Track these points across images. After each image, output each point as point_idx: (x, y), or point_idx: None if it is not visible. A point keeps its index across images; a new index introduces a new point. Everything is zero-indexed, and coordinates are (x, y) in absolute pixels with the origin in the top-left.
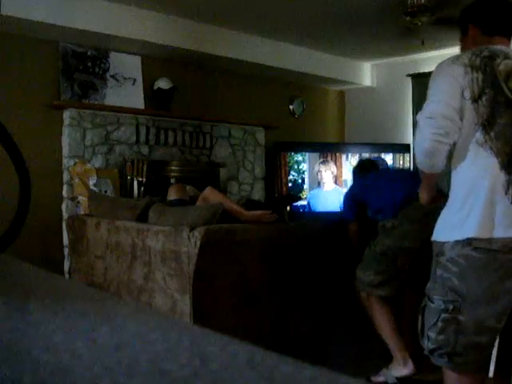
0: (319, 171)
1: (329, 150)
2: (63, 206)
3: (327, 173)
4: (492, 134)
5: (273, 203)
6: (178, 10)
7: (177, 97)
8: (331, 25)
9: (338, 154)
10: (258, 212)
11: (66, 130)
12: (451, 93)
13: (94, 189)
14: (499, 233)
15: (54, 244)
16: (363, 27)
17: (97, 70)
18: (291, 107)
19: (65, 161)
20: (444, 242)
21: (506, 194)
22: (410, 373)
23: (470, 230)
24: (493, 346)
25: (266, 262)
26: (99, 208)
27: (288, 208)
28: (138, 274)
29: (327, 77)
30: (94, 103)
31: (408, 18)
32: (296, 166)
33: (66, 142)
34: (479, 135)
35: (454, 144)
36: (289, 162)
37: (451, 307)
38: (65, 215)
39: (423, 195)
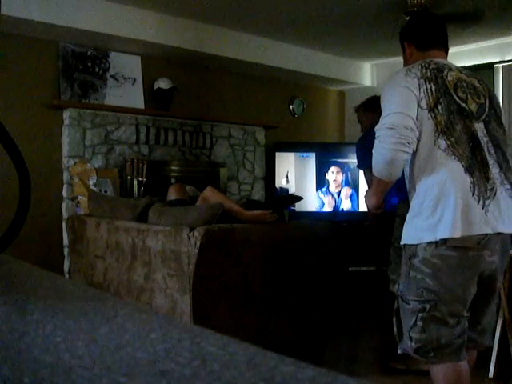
0: (331, 171)
1: (329, 150)
2: (63, 206)
3: (339, 174)
4: (452, 139)
5: (273, 203)
6: (178, 9)
7: (177, 97)
8: (331, 25)
9: (337, 155)
10: (258, 212)
11: (65, 130)
12: (409, 104)
13: (94, 189)
14: (469, 232)
15: (54, 244)
16: (363, 27)
17: (97, 69)
18: (291, 107)
19: (65, 161)
20: (417, 245)
21: (472, 195)
22: None
23: (444, 231)
24: (465, 332)
25: (266, 262)
26: (99, 208)
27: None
28: (138, 274)
29: (327, 77)
30: (94, 103)
31: (408, 18)
32: None
33: (65, 141)
34: (441, 142)
35: (414, 153)
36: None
37: (428, 306)
38: (65, 215)
39: (373, 201)
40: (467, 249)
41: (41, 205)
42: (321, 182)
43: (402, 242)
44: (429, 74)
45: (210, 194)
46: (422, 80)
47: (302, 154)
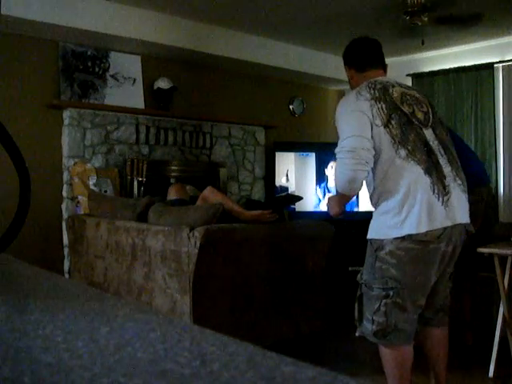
0: (330, 166)
1: (328, 149)
2: (63, 206)
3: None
4: (409, 147)
5: (273, 203)
6: (178, 9)
7: (177, 97)
8: (331, 25)
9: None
10: (258, 212)
11: (65, 130)
12: (363, 127)
13: (94, 189)
14: (432, 227)
15: (54, 244)
16: (363, 27)
17: (97, 69)
18: (291, 107)
19: (65, 161)
20: (383, 239)
21: (433, 193)
22: None
23: (410, 228)
24: (416, 322)
25: (266, 261)
26: (99, 208)
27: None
28: (138, 274)
29: (327, 77)
30: (94, 103)
31: (408, 18)
32: None
33: (65, 141)
34: (401, 151)
35: (375, 164)
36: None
37: (391, 293)
38: (65, 215)
39: (336, 210)
40: (428, 242)
41: (41, 205)
42: (321, 181)
43: (368, 237)
44: (377, 94)
45: (210, 193)
46: (373, 101)
47: (301, 153)
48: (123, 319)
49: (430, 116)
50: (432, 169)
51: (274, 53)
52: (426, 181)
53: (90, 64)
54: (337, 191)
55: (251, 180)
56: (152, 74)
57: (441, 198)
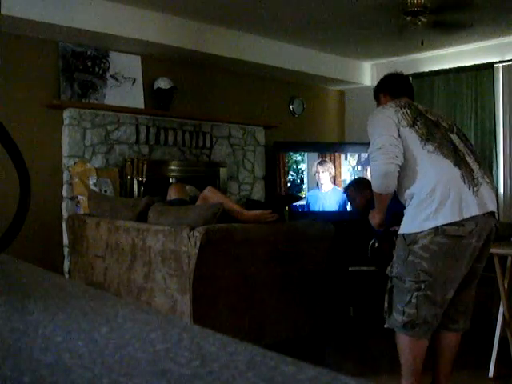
0: (317, 172)
1: (328, 149)
2: (63, 206)
3: (325, 174)
4: (436, 144)
5: (273, 203)
6: (178, 9)
7: (177, 97)
8: (331, 25)
9: (337, 154)
10: (258, 212)
11: (65, 130)
12: (390, 127)
13: (94, 188)
14: (466, 214)
15: (54, 244)
16: (363, 27)
17: (97, 69)
18: (291, 107)
19: (65, 160)
20: (417, 233)
21: (464, 183)
22: None
23: (444, 218)
24: (440, 317)
25: (266, 261)
26: (99, 208)
27: (287, 208)
28: (137, 274)
29: (327, 77)
30: (94, 103)
31: (408, 18)
32: (295, 166)
33: (65, 141)
34: (428, 146)
35: (405, 161)
36: (288, 162)
37: (423, 286)
38: (65, 215)
39: (378, 218)
40: (461, 237)
41: (41, 205)
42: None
43: (400, 232)
44: (402, 103)
45: (210, 193)
46: (398, 108)
47: (300, 153)
48: (123, 319)
49: (455, 127)
50: (460, 163)
51: (273, 53)
52: (455, 172)
53: (89, 64)
54: (374, 197)
55: (251, 180)
56: (152, 74)
57: (472, 188)
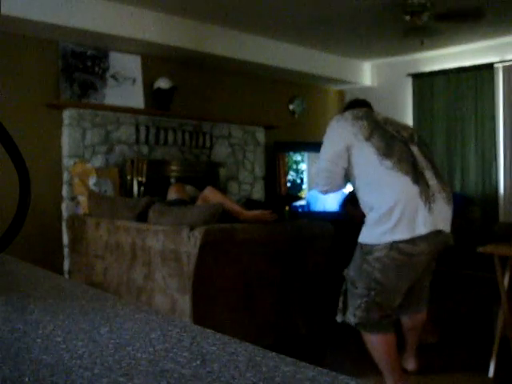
0: None
1: None
2: (63, 206)
3: None
4: (395, 159)
5: (273, 203)
6: (178, 9)
7: (177, 96)
8: (331, 25)
9: None
10: (258, 212)
11: (65, 130)
12: (339, 142)
13: (94, 188)
14: (420, 232)
15: (54, 244)
16: (363, 27)
17: (96, 69)
18: (291, 107)
19: (64, 161)
20: (374, 245)
21: (421, 201)
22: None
23: (399, 234)
24: (393, 315)
25: (266, 261)
26: (99, 208)
27: (287, 208)
28: (137, 274)
29: (327, 76)
30: (94, 103)
31: (408, 18)
32: (295, 166)
33: (65, 141)
34: (386, 162)
35: (360, 175)
36: (288, 162)
37: (373, 293)
38: (65, 215)
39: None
40: (413, 255)
41: (41, 205)
42: None
43: (359, 240)
44: (360, 114)
45: (210, 193)
46: (355, 120)
47: (300, 153)
48: (123, 319)
49: (415, 137)
50: (419, 179)
51: (274, 53)
52: (414, 189)
53: (89, 64)
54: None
55: (251, 180)
56: (152, 73)
57: (427, 205)
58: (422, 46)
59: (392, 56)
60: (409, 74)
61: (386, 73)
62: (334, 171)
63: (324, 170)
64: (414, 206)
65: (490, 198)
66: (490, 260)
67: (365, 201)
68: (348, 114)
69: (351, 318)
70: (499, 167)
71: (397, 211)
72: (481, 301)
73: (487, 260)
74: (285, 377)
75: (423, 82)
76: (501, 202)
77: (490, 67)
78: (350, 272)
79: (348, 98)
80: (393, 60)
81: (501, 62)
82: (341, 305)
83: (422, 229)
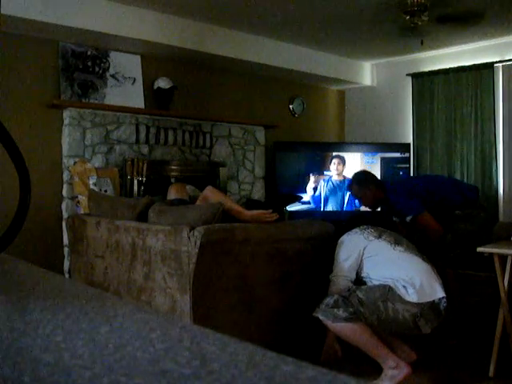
0: (333, 163)
1: (329, 149)
2: (63, 206)
3: (341, 165)
4: (405, 246)
5: (273, 203)
6: (178, 9)
7: (177, 96)
8: (331, 25)
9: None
10: (258, 211)
11: (65, 130)
12: (354, 250)
13: (94, 188)
14: (427, 299)
15: (54, 244)
16: (363, 27)
17: (97, 69)
18: (291, 107)
19: (65, 160)
20: (401, 298)
21: (431, 275)
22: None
23: (416, 297)
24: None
25: (266, 261)
26: (99, 207)
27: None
28: (137, 274)
29: (327, 76)
30: (94, 103)
31: (408, 18)
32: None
33: (65, 141)
34: (399, 247)
35: (374, 264)
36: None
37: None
38: (65, 215)
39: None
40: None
41: (41, 204)
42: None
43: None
44: (365, 227)
45: (210, 193)
46: (362, 230)
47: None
48: (123, 319)
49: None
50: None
51: (274, 53)
52: (425, 266)
53: (90, 64)
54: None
55: (251, 180)
56: (152, 73)
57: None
58: (421, 46)
59: (392, 56)
60: (408, 74)
61: (386, 73)
62: (352, 270)
63: (341, 278)
64: (425, 278)
65: (489, 198)
66: (490, 260)
67: (380, 275)
68: (357, 229)
69: (343, 314)
70: (499, 167)
71: (410, 284)
72: (481, 301)
73: (487, 260)
74: (285, 377)
75: (423, 81)
76: (501, 201)
77: (489, 67)
78: (362, 294)
79: (348, 98)
80: (393, 60)
81: (501, 61)
82: (332, 303)
83: (430, 296)
